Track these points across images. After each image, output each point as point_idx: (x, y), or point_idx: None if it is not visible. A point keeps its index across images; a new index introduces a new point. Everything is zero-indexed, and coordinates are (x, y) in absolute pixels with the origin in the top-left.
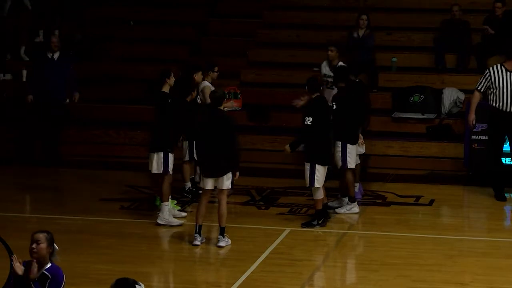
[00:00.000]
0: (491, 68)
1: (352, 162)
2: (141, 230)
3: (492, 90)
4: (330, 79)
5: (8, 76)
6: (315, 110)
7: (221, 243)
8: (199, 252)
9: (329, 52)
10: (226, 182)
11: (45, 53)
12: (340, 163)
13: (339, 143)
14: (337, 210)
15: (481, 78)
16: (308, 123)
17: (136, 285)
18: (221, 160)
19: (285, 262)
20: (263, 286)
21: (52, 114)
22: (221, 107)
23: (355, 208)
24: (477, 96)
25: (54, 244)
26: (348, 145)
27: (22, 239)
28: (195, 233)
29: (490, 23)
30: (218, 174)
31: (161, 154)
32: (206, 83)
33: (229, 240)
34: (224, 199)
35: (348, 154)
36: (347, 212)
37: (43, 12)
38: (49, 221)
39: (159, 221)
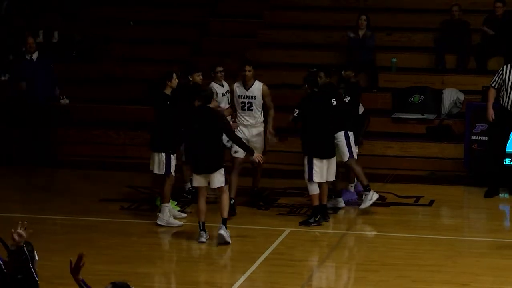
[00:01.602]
0: (504, 66)
1: (355, 151)
2: (141, 231)
3: (502, 88)
4: (247, 100)
5: (8, 77)
6: (303, 104)
7: (221, 231)
8: (199, 253)
9: (247, 72)
10: (220, 179)
11: (23, 55)
12: (346, 154)
13: (341, 133)
14: (360, 207)
15: (495, 75)
16: (295, 114)
17: None
18: (211, 157)
19: (285, 262)
20: (263, 286)
21: (39, 115)
22: (210, 105)
23: (374, 195)
24: (492, 92)
25: (35, 253)
26: (349, 133)
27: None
28: (200, 231)
29: (490, 23)
30: (208, 171)
31: (163, 155)
32: (212, 85)
33: (229, 237)
34: (224, 193)
35: (351, 142)
36: (370, 202)
37: (43, 12)
38: (49, 221)
39: (159, 222)
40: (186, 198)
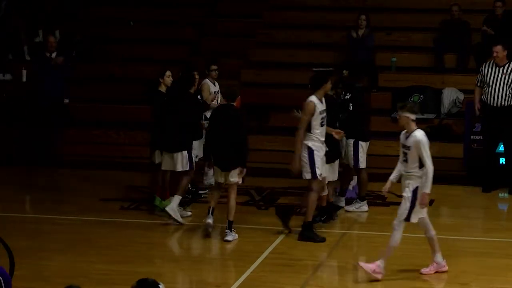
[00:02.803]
0: (484, 64)
1: (363, 161)
2: (141, 230)
3: (484, 85)
4: (324, 115)
5: (8, 76)
6: None
7: (228, 237)
8: (199, 252)
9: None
10: (236, 175)
11: (43, 53)
12: (352, 162)
13: (351, 141)
14: (346, 208)
15: (478, 74)
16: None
17: (158, 285)
18: (230, 155)
19: (285, 262)
20: (263, 286)
21: (52, 115)
22: (234, 103)
23: (364, 206)
24: (477, 91)
25: None
26: (361, 143)
27: (22, 239)
28: (208, 214)
29: (490, 23)
30: (227, 168)
31: (185, 153)
32: (206, 81)
33: (236, 235)
34: (232, 193)
35: (360, 153)
36: (356, 210)
37: (43, 12)
38: (49, 221)
39: (167, 209)
40: (186, 198)
